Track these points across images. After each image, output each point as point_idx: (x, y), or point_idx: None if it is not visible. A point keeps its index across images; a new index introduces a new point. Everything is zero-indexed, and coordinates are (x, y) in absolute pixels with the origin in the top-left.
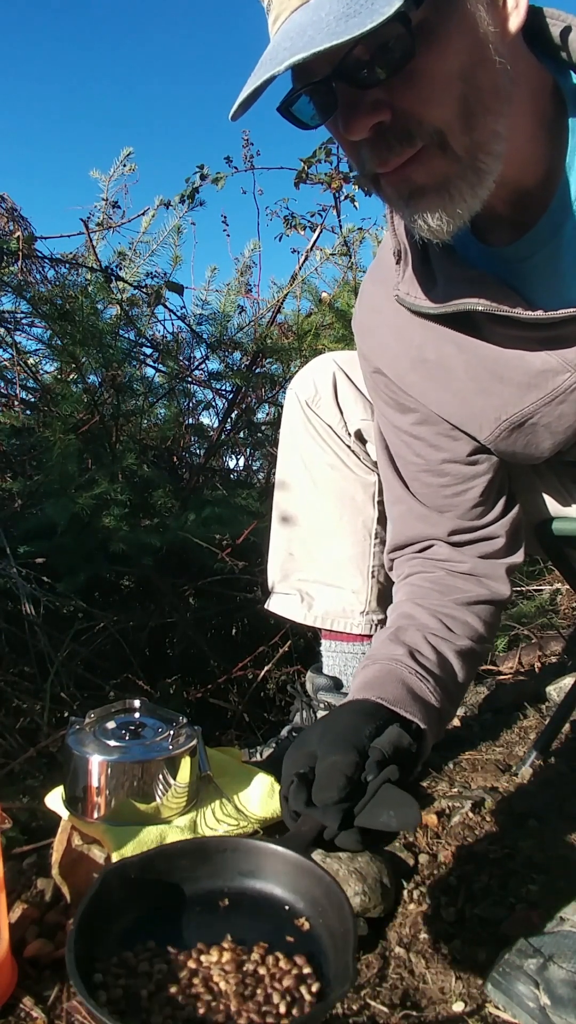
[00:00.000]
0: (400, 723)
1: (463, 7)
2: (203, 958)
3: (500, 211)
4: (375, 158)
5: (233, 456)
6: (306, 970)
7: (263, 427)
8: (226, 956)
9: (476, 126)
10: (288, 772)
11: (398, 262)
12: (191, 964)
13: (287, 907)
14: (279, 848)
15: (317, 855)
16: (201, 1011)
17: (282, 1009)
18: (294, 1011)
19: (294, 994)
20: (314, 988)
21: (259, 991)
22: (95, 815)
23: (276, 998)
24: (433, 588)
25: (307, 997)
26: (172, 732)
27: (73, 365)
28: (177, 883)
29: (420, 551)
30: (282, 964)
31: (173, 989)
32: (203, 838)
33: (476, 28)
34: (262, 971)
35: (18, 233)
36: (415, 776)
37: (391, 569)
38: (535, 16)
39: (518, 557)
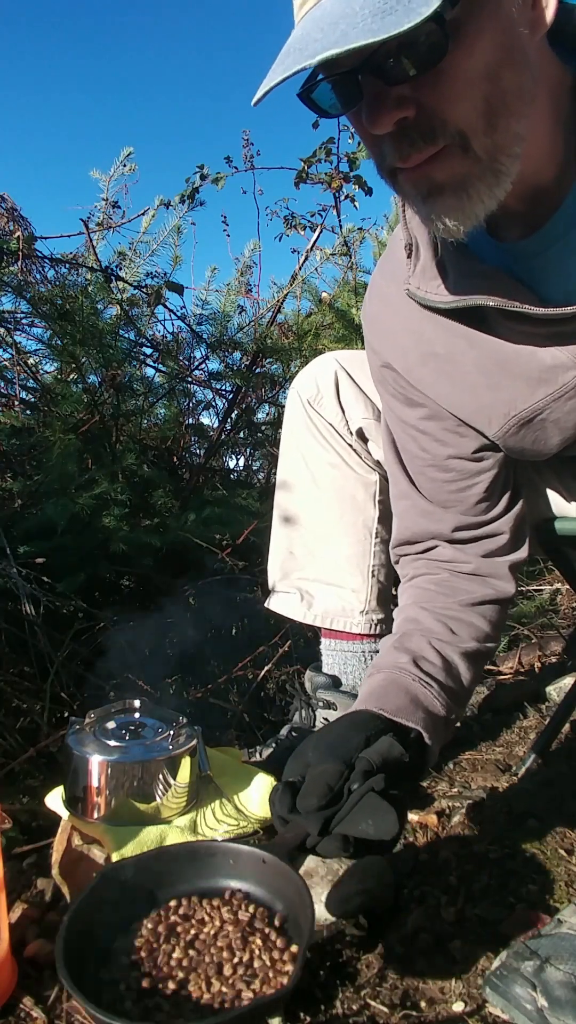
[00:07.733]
0: (397, 732)
1: (497, 6)
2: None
3: (513, 207)
4: (396, 153)
5: (233, 456)
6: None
7: (263, 427)
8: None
9: (499, 128)
10: (282, 780)
11: (409, 256)
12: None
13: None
14: (258, 852)
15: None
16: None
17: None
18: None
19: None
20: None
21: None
22: (95, 815)
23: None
24: (438, 591)
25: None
26: (172, 732)
27: (73, 365)
28: (170, 883)
29: (424, 551)
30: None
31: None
32: (194, 842)
33: (508, 28)
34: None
35: (18, 233)
36: (422, 779)
37: (397, 563)
38: (562, 12)
39: (522, 553)
